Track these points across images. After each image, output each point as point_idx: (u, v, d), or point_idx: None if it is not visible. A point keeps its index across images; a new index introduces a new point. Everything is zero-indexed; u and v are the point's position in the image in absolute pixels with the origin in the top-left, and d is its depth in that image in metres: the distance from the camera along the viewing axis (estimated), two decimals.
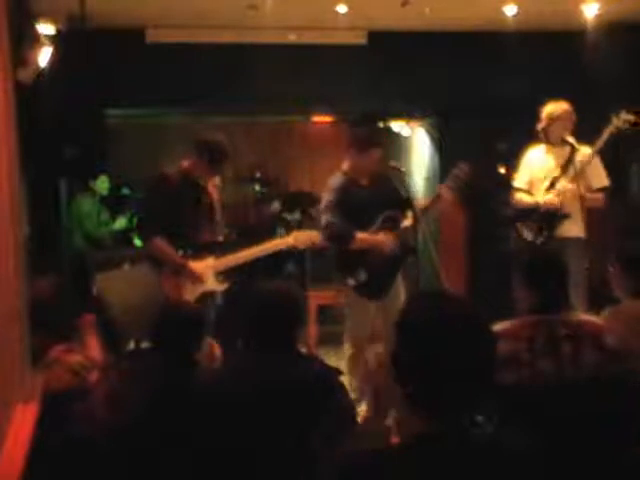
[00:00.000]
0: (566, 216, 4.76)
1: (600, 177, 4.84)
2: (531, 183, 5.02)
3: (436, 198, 4.77)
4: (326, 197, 4.77)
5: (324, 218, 4.73)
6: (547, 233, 4.83)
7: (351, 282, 4.70)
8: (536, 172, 5.00)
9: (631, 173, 6.74)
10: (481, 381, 1.67)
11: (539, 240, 4.86)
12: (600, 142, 4.65)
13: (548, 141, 4.93)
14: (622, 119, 4.59)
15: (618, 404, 2.56)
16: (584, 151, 4.77)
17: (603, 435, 2.52)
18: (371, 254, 4.69)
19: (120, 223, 7.21)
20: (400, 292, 4.86)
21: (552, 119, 4.87)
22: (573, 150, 4.78)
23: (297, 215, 7.00)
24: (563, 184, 4.75)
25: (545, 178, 4.92)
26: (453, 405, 1.66)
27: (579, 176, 4.70)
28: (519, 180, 5.09)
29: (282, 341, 2.57)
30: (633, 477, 2.53)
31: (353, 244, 4.63)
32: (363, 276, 4.69)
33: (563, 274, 2.86)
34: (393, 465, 1.64)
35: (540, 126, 4.92)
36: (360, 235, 4.64)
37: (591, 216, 4.88)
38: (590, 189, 4.81)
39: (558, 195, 4.76)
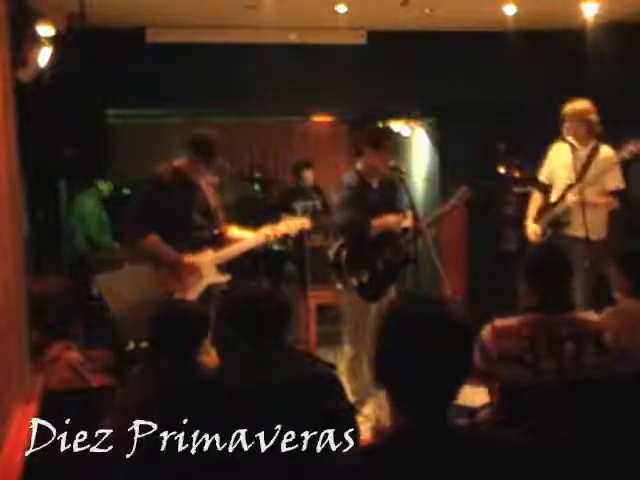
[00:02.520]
0: (565, 224, 4.84)
1: (615, 179, 4.88)
2: (551, 179, 5.12)
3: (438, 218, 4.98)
4: (341, 194, 4.87)
5: (344, 212, 4.83)
6: (550, 234, 4.93)
7: (354, 282, 4.79)
8: (556, 169, 5.08)
9: (631, 173, 6.72)
10: (459, 377, 1.73)
11: (543, 239, 4.95)
12: (623, 157, 4.73)
13: (569, 138, 4.97)
14: (629, 150, 4.65)
15: (617, 403, 2.57)
16: (605, 153, 4.84)
17: (603, 435, 2.52)
18: (376, 257, 4.80)
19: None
20: (391, 296, 4.92)
21: (567, 117, 4.91)
22: (593, 152, 4.84)
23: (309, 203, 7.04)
24: (570, 196, 4.79)
25: (562, 177, 4.98)
26: (432, 402, 1.71)
27: (596, 181, 4.77)
28: (541, 175, 5.22)
29: (269, 339, 2.58)
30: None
31: (371, 231, 4.76)
32: (366, 277, 4.79)
33: (567, 274, 2.86)
34: (378, 462, 1.67)
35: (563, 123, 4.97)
36: (373, 222, 4.76)
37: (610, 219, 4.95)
38: (604, 190, 4.86)
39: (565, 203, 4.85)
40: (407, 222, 4.84)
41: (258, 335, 2.59)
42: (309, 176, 7.32)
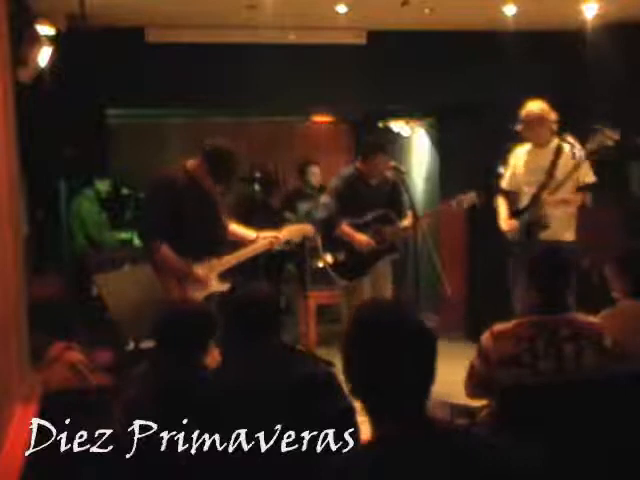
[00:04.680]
0: (546, 226, 4.73)
1: (586, 174, 4.79)
2: (517, 184, 5.00)
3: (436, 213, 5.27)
4: (333, 182, 5.20)
5: (323, 198, 5.20)
6: (527, 239, 4.80)
7: (329, 258, 5.14)
8: (522, 173, 4.98)
9: (630, 172, 6.73)
10: (425, 381, 1.75)
11: (522, 243, 4.82)
12: (587, 152, 4.65)
13: (530, 142, 4.93)
14: (607, 136, 4.58)
15: (617, 403, 2.57)
16: (569, 149, 4.76)
17: (603, 435, 2.52)
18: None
19: (125, 235, 7.27)
20: (386, 284, 5.23)
21: (523, 122, 4.87)
22: (557, 151, 4.78)
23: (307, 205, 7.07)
24: (545, 195, 4.71)
25: (531, 181, 4.89)
26: (406, 407, 1.73)
27: (567, 179, 4.68)
28: (504, 181, 5.10)
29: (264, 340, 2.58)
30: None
31: (335, 232, 5.08)
32: (341, 256, 5.11)
33: (568, 275, 2.86)
34: (358, 467, 1.69)
35: (518, 127, 4.92)
36: (344, 227, 5.08)
37: (582, 216, 4.88)
38: (578, 187, 4.80)
39: (541, 207, 4.74)
40: (407, 221, 4.92)
41: (258, 335, 2.59)
42: (316, 172, 7.34)
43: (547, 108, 4.85)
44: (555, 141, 4.85)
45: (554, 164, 4.78)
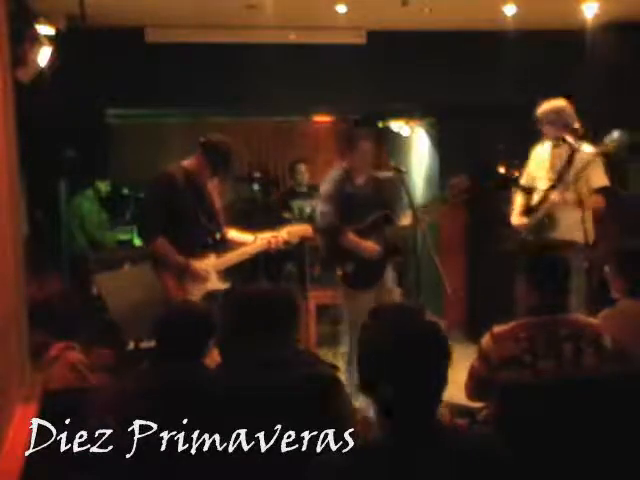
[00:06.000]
0: (550, 226, 4.73)
1: (599, 177, 4.75)
2: (532, 181, 5.02)
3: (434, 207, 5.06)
4: (324, 187, 5.01)
5: (320, 207, 5.01)
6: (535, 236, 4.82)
7: (339, 272, 4.93)
8: (536, 170, 4.99)
9: (630, 172, 6.73)
10: (437, 384, 1.78)
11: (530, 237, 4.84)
12: (599, 151, 4.60)
13: (549, 139, 4.91)
14: (617, 140, 4.53)
15: (618, 404, 2.57)
16: (585, 150, 4.71)
17: (602, 435, 2.52)
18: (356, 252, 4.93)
19: (125, 236, 7.28)
20: (389, 287, 5.09)
21: (539, 119, 4.86)
22: (572, 151, 4.71)
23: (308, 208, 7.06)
24: (554, 195, 4.69)
25: (544, 177, 4.88)
26: (414, 409, 1.76)
27: (577, 179, 4.63)
28: (523, 178, 5.12)
29: (269, 340, 2.58)
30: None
31: (341, 241, 4.86)
32: (351, 267, 4.91)
33: (566, 276, 2.86)
34: (359, 467, 1.72)
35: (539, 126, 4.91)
36: (350, 235, 4.86)
37: (596, 218, 4.85)
38: (590, 190, 4.75)
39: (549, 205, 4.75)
40: (407, 221, 4.90)
41: (261, 334, 2.58)
42: (302, 170, 7.36)
43: (563, 106, 4.79)
44: (572, 141, 4.74)
45: (569, 163, 4.71)
